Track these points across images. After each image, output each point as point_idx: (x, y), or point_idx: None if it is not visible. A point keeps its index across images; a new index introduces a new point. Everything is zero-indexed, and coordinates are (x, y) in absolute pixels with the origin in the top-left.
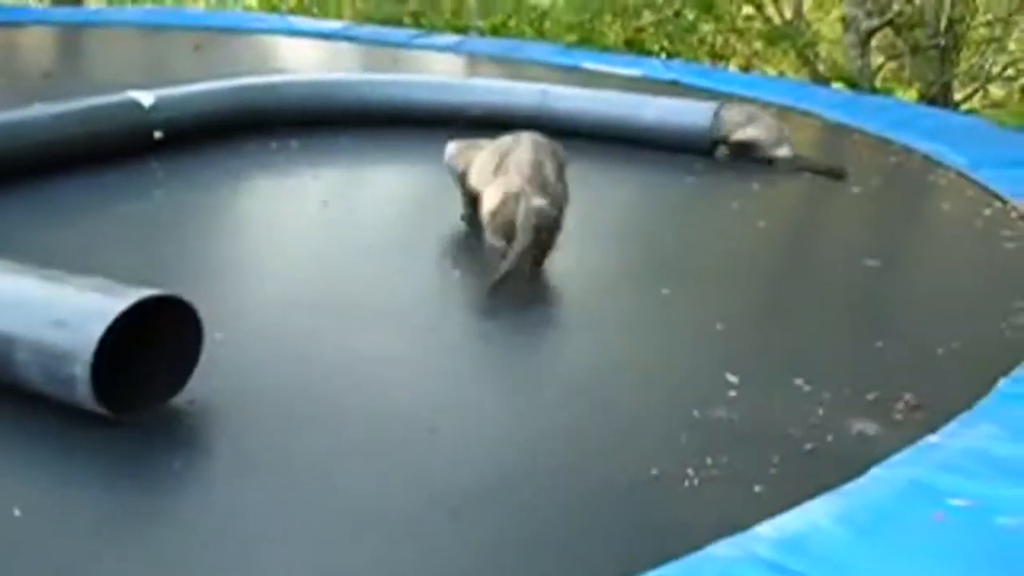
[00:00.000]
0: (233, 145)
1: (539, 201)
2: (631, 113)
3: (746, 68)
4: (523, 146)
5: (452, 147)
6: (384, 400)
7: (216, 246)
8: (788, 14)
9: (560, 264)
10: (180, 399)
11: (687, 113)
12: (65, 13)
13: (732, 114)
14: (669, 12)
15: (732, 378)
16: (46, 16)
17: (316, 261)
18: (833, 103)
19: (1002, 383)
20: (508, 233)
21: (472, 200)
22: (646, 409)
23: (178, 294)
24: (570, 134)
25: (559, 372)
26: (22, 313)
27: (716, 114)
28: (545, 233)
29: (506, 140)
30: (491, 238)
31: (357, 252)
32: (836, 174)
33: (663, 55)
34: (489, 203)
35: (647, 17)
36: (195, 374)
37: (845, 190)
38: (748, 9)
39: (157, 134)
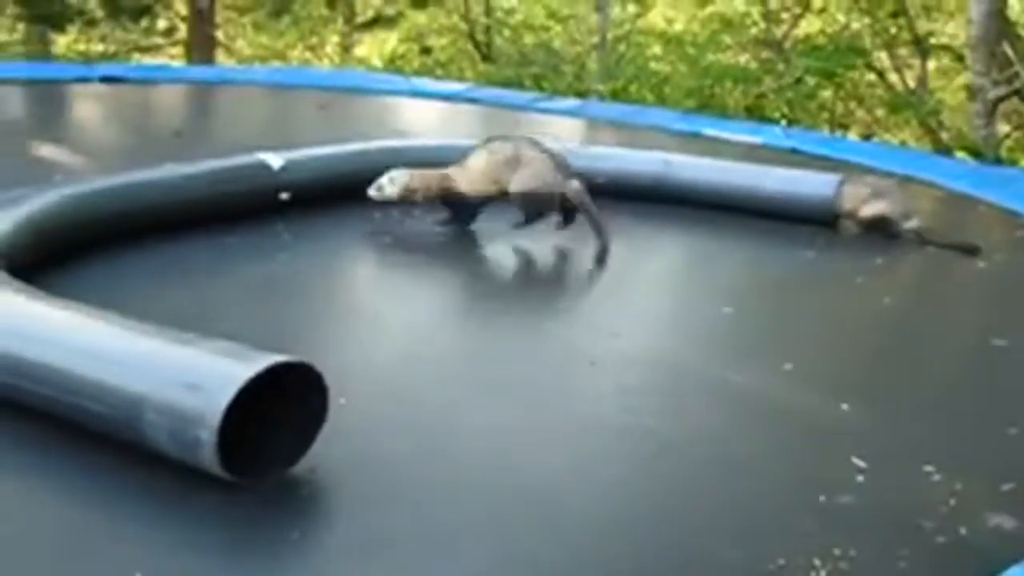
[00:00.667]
0: (359, 209)
1: (576, 183)
2: (753, 183)
3: (867, 136)
4: (529, 145)
5: (396, 173)
6: (508, 473)
7: (341, 310)
8: (911, 82)
9: (676, 338)
10: (302, 466)
11: (809, 184)
12: (197, 72)
13: (858, 188)
14: (790, 79)
15: (859, 462)
16: (179, 75)
17: (442, 327)
18: (957, 173)
19: None
20: (544, 210)
21: (456, 203)
22: (771, 493)
23: (305, 359)
24: (691, 203)
25: (683, 451)
26: (152, 373)
27: (839, 186)
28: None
29: (498, 147)
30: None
31: (485, 320)
32: (968, 250)
33: (783, 122)
34: (524, 186)
35: (768, 83)
36: (318, 440)
37: (970, 266)
38: (870, 76)
39: (284, 195)
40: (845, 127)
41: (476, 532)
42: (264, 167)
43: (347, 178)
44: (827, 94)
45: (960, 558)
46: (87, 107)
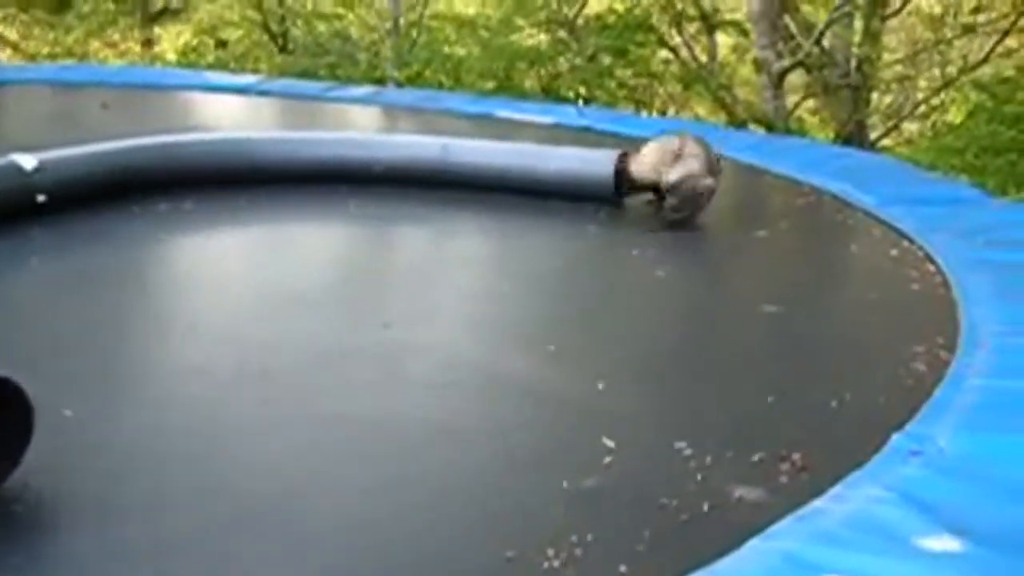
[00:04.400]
0: (122, 208)
1: (710, 180)
2: (533, 164)
3: (663, 113)
4: (692, 141)
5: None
6: (252, 476)
7: (90, 315)
8: (703, 57)
9: (447, 326)
10: (14, 482)
11: (592, 163)
12: None
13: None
14: (583, 58)
15: (609, 443)
16: None
17: (204, 327)
18: (744, 145)
19: (894, 439)
20: (684, 199)
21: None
22: (516, 480)
23: (3, 374)
24: (472, 187)
25: (434, 442)
26: None
27: (618, 162)
28: (705, 200)
29: (667, 140)
30: (670, 201)
31: (250, 315)
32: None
33: (580, 102)
34: (672, 178)
35: (562, 63)
36: (42, 452)
37: (751, 235)
38: (664, 53)
39: (40, 198)
40: (645, 104)
41: (203, 540)
42: (17, 169)
43: (108, 177)
44: (626, 73)
45: (701, 533)
46: None
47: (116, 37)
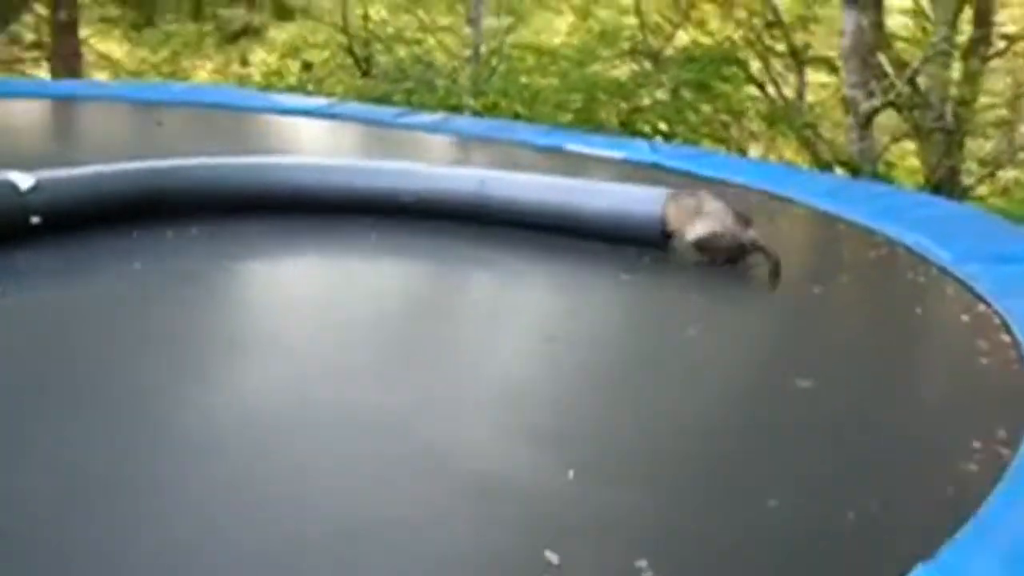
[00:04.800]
0: (120, 233)
1: (749, 232)
2: (575, 201)
3: (742, 151)
4: (710, 198)
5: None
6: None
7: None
8: (790, 94)
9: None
10: None
11: (633, 201)
12: (25, 86)
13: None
14: (665, 91)
15: (552, 557)
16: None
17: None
18: (820, 190)
19: (918, 570)
20: (715, 253)
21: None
22: None
23: None
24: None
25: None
26: None
27: (667, 203)
28: (742, 254)
29: (684, 196)
30: (695, 255)
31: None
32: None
33: (659, 137)
34: (698, 234)
35: (643, 96)
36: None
37: (805, 291)
38: (749, 89)
39: (35, 219)
40: (725, 142)
41: None
42: (11, 187)
43: (108, 200)
44: (708, 109)
45: None
46: None
47: (203, 56)
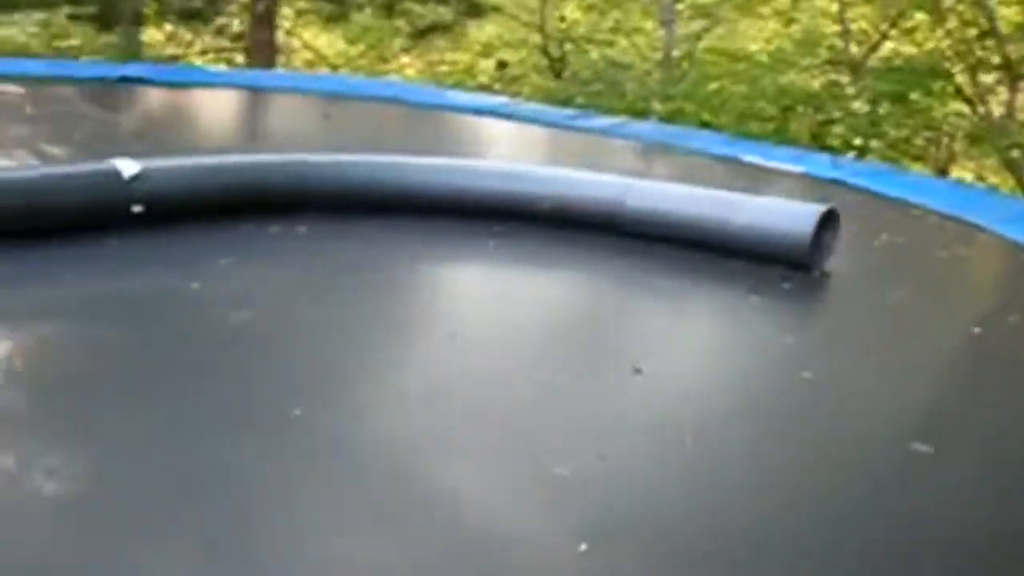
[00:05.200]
0: (225, 226)
1: None
2: (720, 215)
3: (942, 171)
4: None
5: None
6: None
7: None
8: (997, 111)
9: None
10: None
11: (787, 218)
12: (221, 76)
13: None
14: (862, 103)
15: None
16: (202, 78)
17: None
18: (1012, 217)
19: None
20: None
21: None
22: None
23: None
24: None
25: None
26: None
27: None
28: None
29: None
30: None
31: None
32: None
33: (851, 152)
34: None
35: (837, 108)
36: None
37: (959, 333)
38: (954, 104)
39: (136, 208)
40: (922, 160)
41: None
42: (114, 174)
43: (213, 193)
44: (907, 123)
45: None
46: (92, 106)
47: (396, 52)
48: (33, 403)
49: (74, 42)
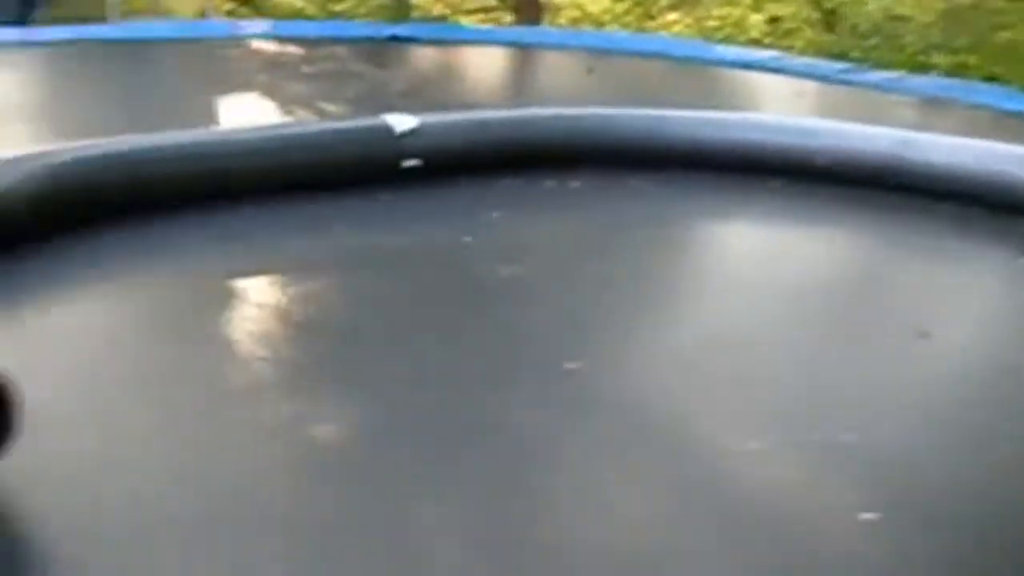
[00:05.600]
0: (498, 182)
1: None
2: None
3: None
4: None
5: None
6: None
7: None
8: None
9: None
10: None
11: None
12: (486, 33)
13: None
14: None
15: None
16: (468, 36)
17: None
18: None
19: None
20: None
21: None
22: None
23: None
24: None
25: None
26: None
27: None
28: None
29: None
30: None
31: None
32: None
33: None
34: None
35: None
36: None
37: None
38: None
39: (409, 162)
40: None
41: None
42: (384, 129)
43: (487, 147)
44: None
45: None
46: (363, 64)
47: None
48: (304, 353)
49: (346, 4)
